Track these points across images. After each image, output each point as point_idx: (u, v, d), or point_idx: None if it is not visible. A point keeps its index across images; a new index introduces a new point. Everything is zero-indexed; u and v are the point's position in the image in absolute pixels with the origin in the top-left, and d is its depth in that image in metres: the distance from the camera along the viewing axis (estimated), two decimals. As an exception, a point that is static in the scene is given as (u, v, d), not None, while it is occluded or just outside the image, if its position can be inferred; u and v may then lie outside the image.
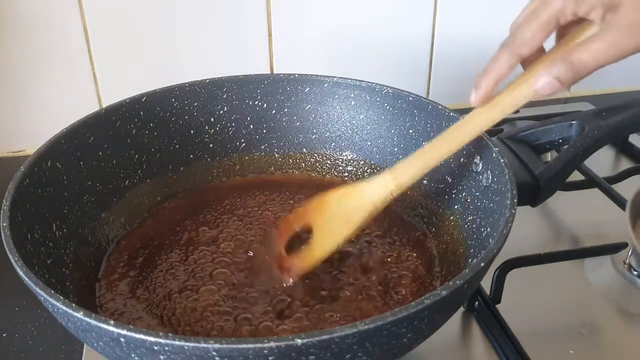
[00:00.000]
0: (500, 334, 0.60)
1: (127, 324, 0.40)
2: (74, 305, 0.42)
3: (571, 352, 0.60)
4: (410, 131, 0.69)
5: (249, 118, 0.74)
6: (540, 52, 0.54)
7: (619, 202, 0.73)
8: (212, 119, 0.73)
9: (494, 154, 0.58)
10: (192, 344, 0.38)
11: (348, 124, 0.74)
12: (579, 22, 0.52)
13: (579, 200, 0.78)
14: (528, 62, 0.54)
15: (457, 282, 0.43)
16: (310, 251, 0.59)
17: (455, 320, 0.63)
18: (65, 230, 0.59)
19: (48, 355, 0.61)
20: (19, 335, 0.63)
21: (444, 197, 0.66)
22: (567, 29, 0.53)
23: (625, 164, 0.88)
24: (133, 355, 0.42)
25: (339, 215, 0.59)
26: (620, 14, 0.48)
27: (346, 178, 0.75)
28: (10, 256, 0.47)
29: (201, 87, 0.72)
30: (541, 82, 0.51)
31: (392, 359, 0.48)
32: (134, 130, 0.68)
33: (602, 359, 0.60)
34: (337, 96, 0.74)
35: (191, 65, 0.93)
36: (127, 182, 0.68)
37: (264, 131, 0.75)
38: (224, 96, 0.73)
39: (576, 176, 0.78)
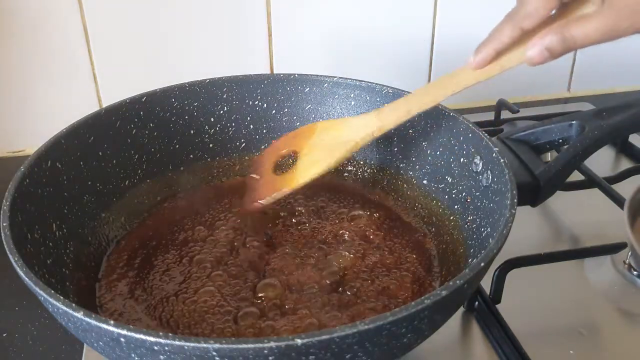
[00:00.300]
0: (500, 334, 0.60)
1: (127, 324, 0.40)
2: (74, 305, 0.42)
3: (571, 352, 0.60)
4: (410, 131, 0.69)
5: (249, 118, 0.74)
6: (543, 26, 0.55)
7: (619, 202, 0.73)
8: (212, 119, 0.73)
9: (494, 154, 0.58)
10: (192, 344, 0.38)
11: (348, 124, 0.74)
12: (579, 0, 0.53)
13: (579, 200, 0.78)
14: (530, 35, 0.55)
15: (457, 282, 0.43)
16: (294, 173, 0.63)
17: (455, 320, 0.63)
18: (65, 230, 0.59)
19: (48, 355, 0.61)
20: (19, 335, 0.63)
21: (444, 197, 0.66)
22: (568, 6, 0.54)
23: (625, 164, 0.88)
24: (133, 355, 0.42)
25: (324, 144, 0.63)
26: None
27: (346, 178, 0.75)
28: (10, 256, 0.47)
29: (201, 87, 0.72)
30: (533, 51, 0.53)
31: (392, 359, 0.48)
32: (134, 130, 0.68)
33: (602, 359, 0.60)
34: (337, 96, 0.74)
35: (191, 65, 0.93)
36: (127, 182, 0.68)
37: (264, 131, 0.75)
38: (224, 96, 0.73)
39: (576, 176, 0.78)
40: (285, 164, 0.66)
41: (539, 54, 0.53)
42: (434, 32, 1.00)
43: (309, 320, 0.55)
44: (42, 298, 0.44)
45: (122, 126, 0.67)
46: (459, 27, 1.00)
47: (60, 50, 0.89)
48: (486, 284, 0.63)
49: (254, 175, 0.66)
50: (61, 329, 0.50)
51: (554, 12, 0.54)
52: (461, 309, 0.64)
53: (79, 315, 0.41)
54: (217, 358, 0.39)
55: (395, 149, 0.71)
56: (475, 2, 0.99)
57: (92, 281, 0.60)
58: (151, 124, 0.70)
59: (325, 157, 0.62)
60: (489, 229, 0.56)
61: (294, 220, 0.67)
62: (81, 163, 0.63)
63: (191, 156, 0.73)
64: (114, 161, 0.67)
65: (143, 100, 0.69)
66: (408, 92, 0.69)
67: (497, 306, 0.62)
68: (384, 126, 0.62)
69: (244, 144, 0.75)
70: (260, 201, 0.63)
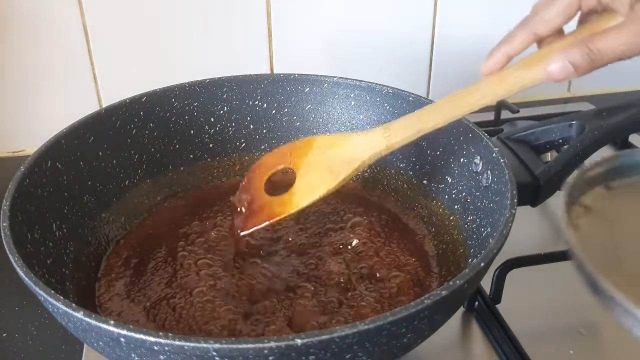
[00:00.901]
0: (500, 334, 0.60)
1: (127, 324, 0.40)
2: (74, 305, 0.42)
3: (571, 352, 0.59)
4: (410, 131, 0.69)
5: (249, 118, 0.74)
6: (558, 35, 0.53)
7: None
8: (212, 119, 0.73)
9: (494, 154, 0.58)
10: (192, 344, 0.38)
11: (348, 124, 0.74)
12: (603, 11, 0.51)
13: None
14: (545, 43, 0.53)
15: (457, 282, 0.43)
16: (292, 196, 0.57)
17: (455, 320, 0.63)
18: (65, 230, 0.59)
19: (48, 355, 0.61)
20: (19, 335, 0.63)
21: (444, 197, 0.66)
22: (589, 17, 0.52)
23: (626, 164, 0.88)
24: (133, 355, 0.42)
25: (324, 162, 0.57)
26: None
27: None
28: (10, 256, 0.47)
29: (201, 87, 0.72)
30: (555, 66, 0.49)
31: (392, 359, 0.48)
32: (134, 130, 0.68)
33: (602, 359, 0.60)
34: (337, 96, 0.74)
35: (191, 65, 0.93)
36: (127, 182, 0.68)
37: (264, 131, 0.75)
38: (224, 96, 0.73)
39: (576, 176, 0.78)
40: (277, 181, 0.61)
41: (561, 69, 0.49)
42: (434, 32, 1.00)
43: (310, 321, 0.55)
44: (42, 298, 0.44)
45: (122, 126, 0.67)
46: (459, 27, 1.00)
47: (60, 50, 0.89)
48: (486, 284, 0.63)
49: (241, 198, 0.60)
50: (61, 329, 0.50)
51: (572, 22, 0.52)
52: (461, 309, 0.64)
53: (79, 315, 0.41)
54: (217, 358, 0.39)
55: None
56: (475, 3, 0.99)
57: (92, 281, 0.60)
58: (151, 124, 0.70)
59: (327, 179, 0.56)
60: (489, 229, 0.56)
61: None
62: (81, 163, 0.63)
63: (191, 156, 0.73)
64: (114, 161, 0.67)
65: (143, 100, 0.69)
66: (408, 92, 0.70)
67: (497, 306, 0.62)
68: (392, 145, 0.56)
69: (244, 144, 0.75)
70: (248, 231, 0.57)
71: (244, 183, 0.61)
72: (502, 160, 0.57)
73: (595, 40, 0.48)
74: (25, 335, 0.63)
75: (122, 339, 0.40)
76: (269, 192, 0.59)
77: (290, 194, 0.57)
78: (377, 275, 0.60)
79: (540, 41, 0.53)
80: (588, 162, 0.44)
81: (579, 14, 0.52)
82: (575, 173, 0.49)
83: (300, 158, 0.58)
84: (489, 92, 0.53)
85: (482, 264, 0.45)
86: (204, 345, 0.38)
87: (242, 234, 0.59)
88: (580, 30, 0.52)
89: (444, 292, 0.42)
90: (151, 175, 0.70)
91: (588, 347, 0.60)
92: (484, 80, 0.54)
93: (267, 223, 0.57)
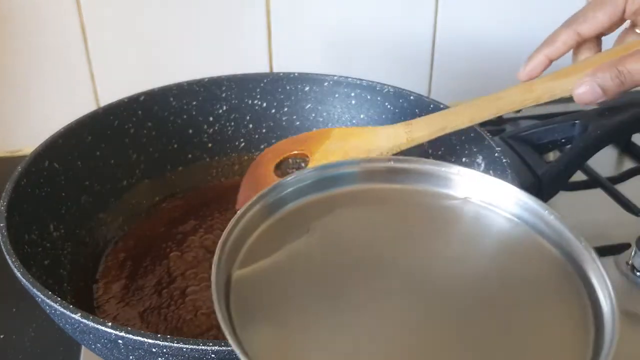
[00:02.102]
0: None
1: (125, 326, 0.40)
2: (71, 306, 0.42)
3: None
4: (412, 130, 0.69)
5: (248, 117, 0.74)
6: (596, 44, 0.52)
7: (622, 202, 0.73)
8: (211, 118, 0.73)
9: (496, 154, 0.58)
10: (190, 346, 0.38)
11: (349, 124, 0.74)
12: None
13: (582, 200, 0.78)
14: (582, 51, 0.52)
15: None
16: None
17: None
18: (62, 231, 0.58)
19: (45, 357, 0.61)
20: (16, 336, 0.63)
21: (445, 197, 0.65)
22: (626, 36, 0.51)
23: (629, 164, 0.88)
24: (131, 357, 0.42)
25: (341, 151, 0.56)
26: None
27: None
28: (7, 257, 0.46)
29: (200, 86, 0.72)
30: (583, 88, 0.48)
31: None
32: (132, 130, 0.68)
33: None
34: (337, 95, 0.73)
35: (190, 64, 0.92)
36: (125, 182, 0.68)
37: (264, 130, 0.75)
38: (223, 95, 0.73)
39: (579, 176, 0.78)
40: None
41: (589, 91, 0.47)
42: (435, 31, 1.00)
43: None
44: (40, 299, 0.44)
45: (120, 126, 0.67)
46: (460, 26, 1.00)
47: (58, 49, 0.88)
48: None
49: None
50: (59, 331, 0.50)
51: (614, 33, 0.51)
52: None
53: (77, 316, 0.41)
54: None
55: (396, 149, 0.71)
56: (477, 2, 0.98)
57: (90, 282, 0.60)
58: (149, 124, 0.69)
59: None
60: (491, 229, 0.56)
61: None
62: (79, 163, 0.63)
63: (190, 156, 0.73)
64: (112, 161, 0.66)
65: (141, 99, 0.68)
66: (409, 91, 0.69)
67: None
68: (413, 139, 0.54)
69: (243, 144, 0.75)
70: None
71: (252, 165, 0.61)
72: (504, 160, 0.57)
73: (625, 61, 0.46)
74: (23, 337, 0.63)
75: (120, 341, 0.40)
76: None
77: None
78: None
79: (579, 47, 0.51)
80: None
81: (623, 26, 0.51)
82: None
83: (317, 146, 0.57)
84: (518, 99, 0.52)
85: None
86: (203, 347, 0.38)
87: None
88: (615, 49, 0.51)
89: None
90: (149, 175, 0.70)
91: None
92: (514, 87, 0.53)
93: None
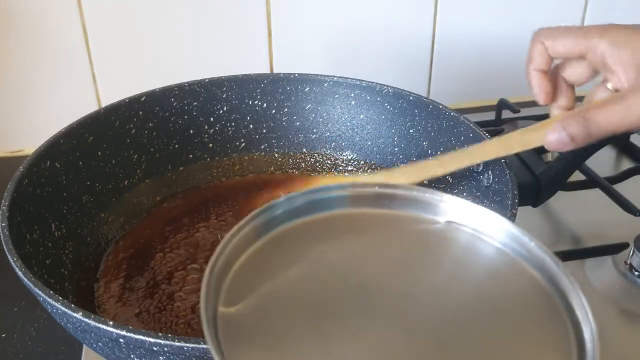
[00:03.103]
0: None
1: (126, 325, 0.40)
2: (72, 305, 0.42)
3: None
4: (411, 131, 0.69)
5: (248, 118, 0.74)
6: (572, 92, 0.54)
7: (621, 202, 0.73)
8: (212, 119, 0.73)
9: (495, 154, 0.58)
10: (191, 345, 0.38)
11: (348, 124, 0.74)
12: (606, 76, 0.51)
13: (580, 200, 0.78)
14: (560, 97, 0.54)
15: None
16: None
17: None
18: (64, 231, 0.58)
19: (47, 356, 0.61)
20: (18, 336, 0.63)
21: (444, 197, 0.66)
22: (599, 91, 0.52)
23: (627, 164, 0.88)
24: (132, 356, 0.42)
25: None
26: None
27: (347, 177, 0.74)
28: (9, 256, 0.47)
29: (201, 87, 0.72)
30: (552, 136, 0.49)
31: None
32: (133, 130, 0.68)
33: (602, 359, 0.60)
34: (337, 96, 0.74)
35: (191, 65, 0.93)
36: (126, 182, 0.68)
37: (264, 131, 0.75)
38: (224, 96, 0.73)
39: (577, 176, 0.78)
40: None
41: (557, 139, 0.49)
42: (435, 31, 1.00)
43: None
44: (41, 298, 0.44)
45: (121, 126, 0.67)
46: (459, 27, 1.00)
47: (60, 49, 0.88)
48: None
49: None
50: (60, 330, 0.50)
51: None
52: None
53: (78, 315, 0.41)
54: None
55: (396, 149, 0.71)
56: (475, 2, 0.99)
57: (91, 282, 0.60)
58: (150, 124, 0.69)
59: None
60: (490, 229, 0.56)
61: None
62: (80, 163, 0.63)
63: (190, 156, 0.73)
64: (113, 161, 0.66)
65: (142, 99, 0.68)
66: (409, 92, 0.69)
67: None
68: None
69: (243, 144, 0.75)
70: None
71: None
72: (503, 160, 0.57)
73: (592, 111, 0.47)
74: (25, 336, 0.63)
75: (121, 340, 0.40)
76: None
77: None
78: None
79: (555, 96, 0.54)
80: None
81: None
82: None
83: None
84: (493, 150, 0.56)
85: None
86: (204, 346, 0.38)
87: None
88: (585, 100, 0.52)
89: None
90: (150, 175, 0.70)
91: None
92: (490, 141, 0.57)
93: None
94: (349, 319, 0.33)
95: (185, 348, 0.38)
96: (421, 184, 0.67)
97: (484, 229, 0.38)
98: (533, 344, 0.33)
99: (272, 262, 0.36)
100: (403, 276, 0.35)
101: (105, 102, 0.87)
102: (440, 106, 0.66)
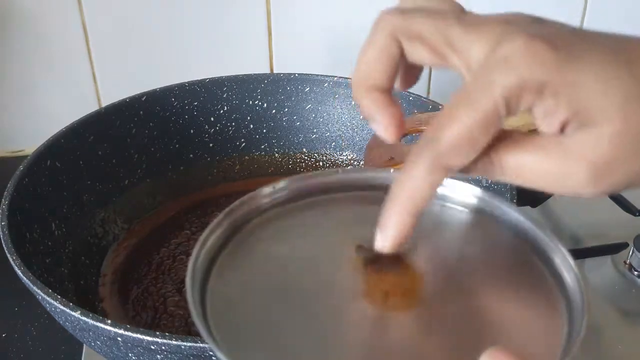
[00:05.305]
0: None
1: (125, 324, 0.40)
2: (71, 304, 0.42)
3: (571, 352, 0.59)
4: (411, 131, 0.69)
5: (249, 118, 0.74)
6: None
7: (620, 202, 0.73)
8: (212, 119, 0.73)
9: (493, 154, 0.58)
10: (189, 344, 0.39)
11: (348, 124, 0.74)
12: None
13: (579, 200, 0.78)
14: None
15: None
16: None
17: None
18: (64, 230, 0.59)
19: (48, 356, 0.61)
20: (18, 335, 0.63)
21: (444, 196, 0.66)
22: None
23: (627, 164, 0.88)
24: (130, 354, 0.42)
25: None
26: (594, 136, 0.29)
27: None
28: (8, 256, 0.47)
29: (201, 87, 0.72)
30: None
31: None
32: (134, 130, 0.68)
33: (602, 359, 0.60)
34: (337, 96, 0.74)
35: (191, 64, 0.93)
36: (126, 181, 0.68)
37: (264, 131, 0.75)
38: (224, 95, 0.73)
39: (577, 176, 0.78)
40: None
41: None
42: (435, 31, 1.00)
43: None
44: (40, 297, 0.44)
45: (122, 125, 0.67)
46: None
47: (60, 49, 0.88)
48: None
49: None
50: (61, 330, 0.50)
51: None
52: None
53: (76, 314, 0.41)
54: (214, 358, 0.39)
55: (396, 149, 0.71)
56: (475, 2, 0.99)
57: (91, 281, 0.60)
58: (151, 124, 0.69)
59: None
60: (488, 229, 0.56)
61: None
62: (80, 162, 0.63)
63: (191, 156, 0.73)
64: (114, 160, 0.67)
65: (143, 99, 0.69)
66: (408, 92, 0.69)
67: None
68: None
69: (244, 144, 0.75)
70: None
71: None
72: (502, 160, 0.57)
73: (502, 151, 0.32)
74: (25, 335, 0.63)
75: (119, 338, 0.40)
76: None
77: None
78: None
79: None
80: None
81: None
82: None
83: None
84: None
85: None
86: (201, 345, 0.38)
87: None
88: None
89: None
90: (151, 175, 0.70)
91: (588, 347, 0.60)
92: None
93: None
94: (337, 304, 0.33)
95: (183, 347, 0.39)
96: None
97: (452, 198, 0.39)
98: (520, 298, 0.34)
99: (252, 253, 0.36)
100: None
101: (106, 102, 0.87)
102: (440, 106, 0.66)
